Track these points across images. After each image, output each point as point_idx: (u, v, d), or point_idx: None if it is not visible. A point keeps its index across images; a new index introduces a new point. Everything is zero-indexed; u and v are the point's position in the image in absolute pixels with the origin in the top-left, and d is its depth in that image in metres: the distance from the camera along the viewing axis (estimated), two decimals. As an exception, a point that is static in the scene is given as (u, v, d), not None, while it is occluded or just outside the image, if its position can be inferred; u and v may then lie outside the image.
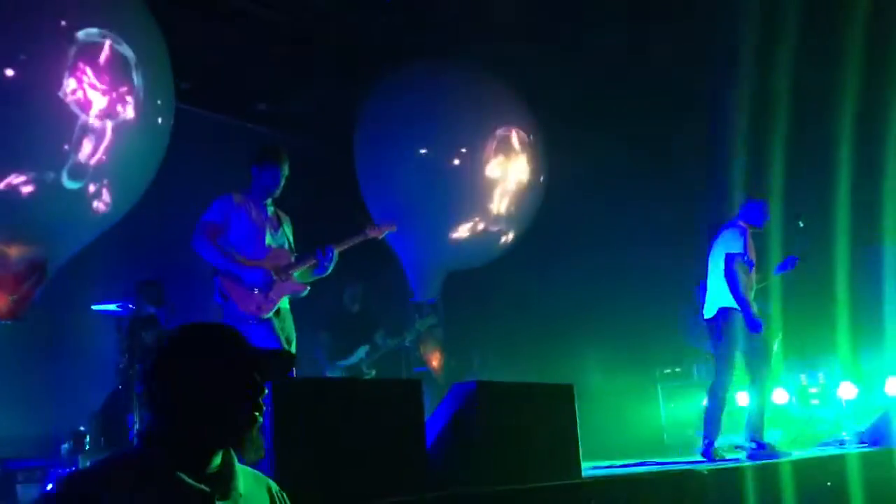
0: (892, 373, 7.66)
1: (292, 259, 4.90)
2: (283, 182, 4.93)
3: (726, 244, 5.98)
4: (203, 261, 4.81)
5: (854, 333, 7.76)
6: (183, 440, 1.72)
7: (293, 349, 4.84)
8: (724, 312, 5.93)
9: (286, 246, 4.97)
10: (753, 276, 6.07)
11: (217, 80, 7.86)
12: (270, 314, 4.72)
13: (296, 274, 4.87)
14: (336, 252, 4.93)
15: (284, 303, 4.89)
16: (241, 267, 4.69)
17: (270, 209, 4.99)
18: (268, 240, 4.84)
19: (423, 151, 8.07)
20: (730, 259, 5.90)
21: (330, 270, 4.97)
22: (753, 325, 5.78)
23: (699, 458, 5.91)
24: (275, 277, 4.73)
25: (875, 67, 7.38)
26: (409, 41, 8.27)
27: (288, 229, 5.07)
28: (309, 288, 4.94)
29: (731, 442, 6.53)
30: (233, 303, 4.68)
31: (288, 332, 4.83)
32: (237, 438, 1.77)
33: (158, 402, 1.75)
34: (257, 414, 1.78)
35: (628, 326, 8.86)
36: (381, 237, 5.35)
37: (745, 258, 5.91)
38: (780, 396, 7.74)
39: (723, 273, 5.93)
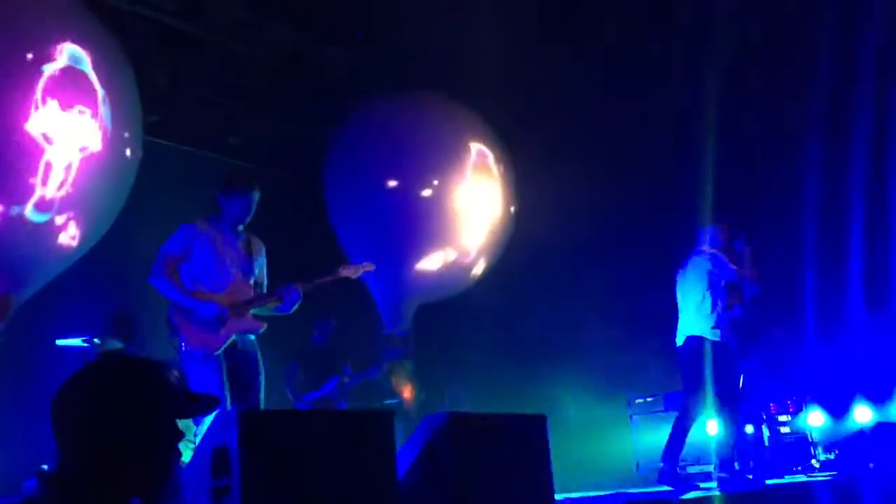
0: (860, 401, 7.75)
1: (252, 294, 4.70)
2: (253, 209, 4.76)
3: (700, 272, 6.04)
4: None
5: (822, 360, 7.85)
6: (92, 488, 1.56)
7: (258, 387, 4.65)
8: (692, 341, 5.97)
9: (252, 278, 4.78)
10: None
11: (187, 113, 7.84)
12: (219, 352, 4.53)
13: (255, 310, 4.69)
14: (300, 292, 4.72)
15: (248, 338, 4.70)
16: (194, 301, 4.52)
17: (242, 237, 4.81)
18: (232, 270, 4.66)
19: (392, 183, 8.09)
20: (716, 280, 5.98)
21: (293, 310, 4.78)
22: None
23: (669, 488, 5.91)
24: (229, 314, 4.55)
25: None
26: (380, 74, 8.34)
27: (261, 259, 4.90)
28: (265, 325, 4.75)
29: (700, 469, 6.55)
30: (182, 337, 4.52)
31: (244, 373, 4.61)
32: (151, 487, 1.60)
33: (65, 443, 1.58)
34: (172, 462, 1.63)
35: (601, 356, 8.88)
36: (355, 276, 5.11)
37: (724, 276, 5.99)
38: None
39: (696, 300, 5.98)
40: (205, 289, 4.60)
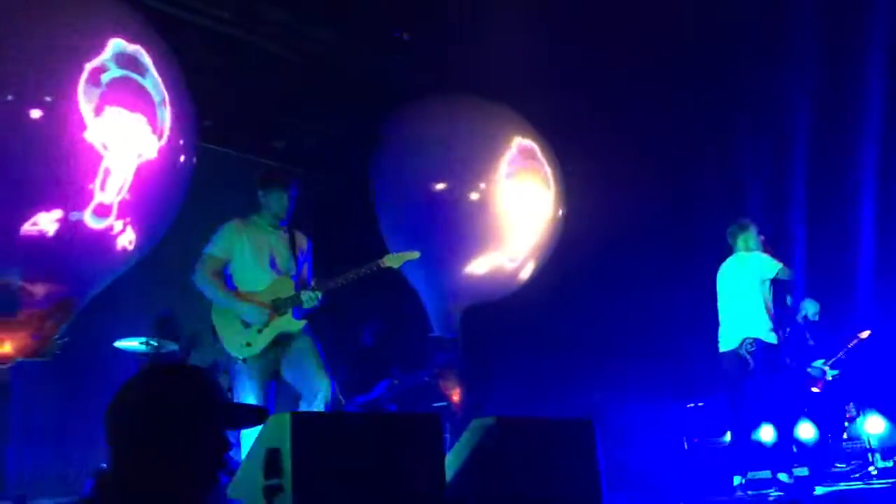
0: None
1: (293, 292, 4.67)
2: (289, 205, 4.80)
3: (756, 273, 6.01)
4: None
5: (882, 363, 7.68)
6: (139, 492, 1.59)
7: (321, 368, 4.63)
8: (760, 344, 5.92)
9: (295, 273, 4.77)
10: None
11: (235, 118, 7.98)
12: (258, 351, 4.55)
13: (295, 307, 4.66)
14: (320, 294, 4.68)
15: (293, 332, 4.66)
16: (235, 302, 4.56)
17: (284, 234, 4.84)
18: (273, 268, 4.68)
19: (439, 186, 8.12)
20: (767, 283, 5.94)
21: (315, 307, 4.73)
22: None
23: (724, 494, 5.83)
24: (269, 313, 4.57)
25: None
26: (425, 77, 8.38)
27: (306, 255, 4.92)
28: (306, 322, 4.72)
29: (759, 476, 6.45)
30: (222, 340, 4.57)
31: (300, 366, 4.62)
32: (196, 496, 1.63)
33: (117, 448, 1.63)
34: (218, 471, 1.66)
35: (652, 359, 8.79)
36: (398, 266, 5.00)
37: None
38: (805, 431, 7.64)
39: (757, 303, 5.94)
40: (247, 287, 4.63)
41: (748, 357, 5.95)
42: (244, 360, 4.52)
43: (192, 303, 5.68)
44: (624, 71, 8.05)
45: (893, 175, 7.69)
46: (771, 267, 6.03)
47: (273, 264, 4.72)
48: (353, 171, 8.57)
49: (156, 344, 6.16)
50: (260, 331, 4.56)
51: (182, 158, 6.18)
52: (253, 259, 4.67)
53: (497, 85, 8.15)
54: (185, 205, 6.34)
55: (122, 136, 5.54)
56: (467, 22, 7.55)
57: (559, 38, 7.66)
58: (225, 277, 4.70)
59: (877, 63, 7.19)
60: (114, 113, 5.50)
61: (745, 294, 6.05)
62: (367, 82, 8.30)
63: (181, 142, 6.11)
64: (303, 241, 4.95)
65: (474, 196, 8.13)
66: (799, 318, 7.48)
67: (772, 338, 5.87)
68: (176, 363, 5.90)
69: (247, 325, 4.56)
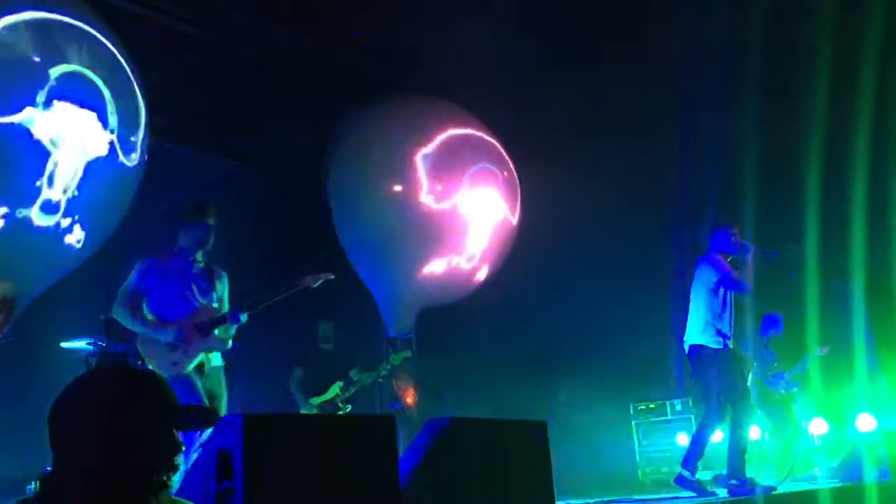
0: (862, 409, 7.74)
1: (213, 316, 4.84)
2: (211, 236, 4.92)
3: (703, 279, 6.02)
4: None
5: (825, 369, 7.84)
6: (85, 495, 1.55)
7: (223, 407, 4.81)
8: (695, 349, 5.96)
9: (215, 303, 4.93)
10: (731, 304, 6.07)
11: (190, 117, 7.87)
12: (189, 369, 4.67)
13: (217, 330, 4.82)
14: (241, 315, 4.84)
15: (216, 359, 4.86)
16: (156, 328, 4.69)
17: (202, 265, 4.96)
18: (193, 300, 4.83)
19: (395, 188, 8.10)
20: (717, 286, 5.93)
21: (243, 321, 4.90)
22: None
23: (674, 494, 5.91)
24: (191, 333, 4.70)
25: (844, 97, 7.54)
26: (383, 77, 8.36)
27: (222, 286, 5.05)
28: (230, 343, 4.88)
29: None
30: (153, 366, 4.65)
31: (213, 389, 4.77)
32: (144, 498, 1.59)
33: (62, 450, 1.58)
34: (168, 473, 1.62)
35: (603, 362, 8.88)
36: (314, 286, 5.16)
37: (723, 283, 5.93)
38: (753, 432, 7.78)
39: (700, 308, 5.95)
40: (169, 319, 4.75)
41: (690, 362, 6.03)
42: (174, 379, 4.56)
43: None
44: (581, 72, 8.12)
45: (846, 188, 7.86)
46: (713, 273, 5.95)
47: (193, 297, 4.85)
48: (312, 169, 8.51)
49: (103, 345, 6.03)
50: (185, 350, 4.70)
51: (133, 155, 6.07)
52: (174, 292, 4.80)
53: (456, 86, 8.17)
54: (138, 203, 6.23)
55: (71, 132, 5.43)
56: (430, 23, 7.56)
57: (517, 41, 7.71)
58: (144, 311, 4.79)
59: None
60: (62, 108, 5.39)
61: (694, 297, 6.06)
62: (326, 81, 8.25)
63: (132, 138, 6.01)
64: (220, 275, 5.08)
65: (429, 197, 8.13)
66: (759, 336, 7.57)
67: (709, 342, 5.85)
68: (124, 365, 5.79)
69: (173, 347, 4.68)
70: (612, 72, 8.13)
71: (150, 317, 4.75)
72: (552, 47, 7.86)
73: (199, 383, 4.68)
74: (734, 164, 7.81)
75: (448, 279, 8.38)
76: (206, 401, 4.64)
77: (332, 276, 5.24)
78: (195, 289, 4.87)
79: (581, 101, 8.39)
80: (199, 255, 4.93)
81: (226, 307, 5.01)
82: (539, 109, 8.50)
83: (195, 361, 4.71)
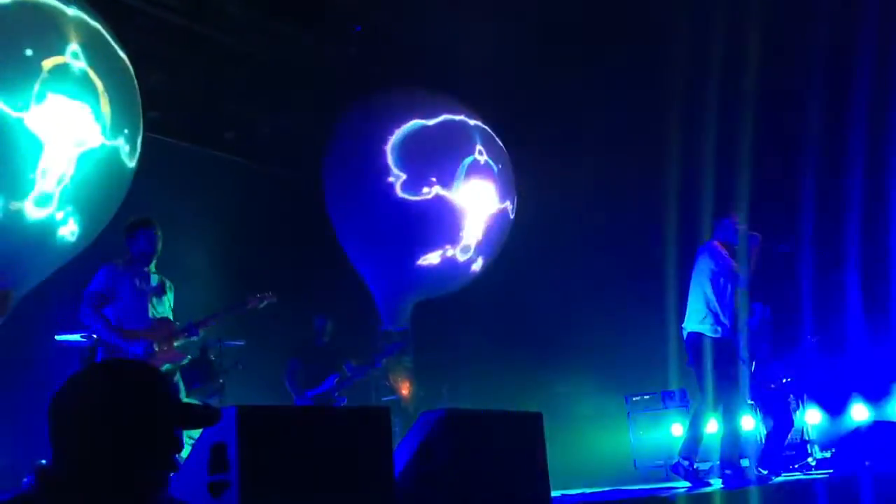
0: (856, 399, 7.76)
1: (173, 329, 5.11)
2: (160, 245, 5.13)
3: (703, 267, 6.02)
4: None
5: (820, 359, 7.86)
6: (83, 491, 1.53)
7: None
8: (692, 337, 5.96)
9: (169, 314, 5.17)
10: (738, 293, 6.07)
11: (186, 110, 7.85)
12: None
13: (176, 343, 5.10)
14: (199, 329, 5.17)
15: (170, 367, 5.09)
16: (124, 338, 4.87)
17: (155, 278, 5.16)
18: (151, 311, 5.04)
19: (390, 180, 8.10)
20: (716, 275, 5.94)
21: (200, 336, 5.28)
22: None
23: (669, 483, 5.93)
24: (156, 348, 4.93)
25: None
26: (379, 71, 8.34)
27: (170, 297, 5.26)
28: (189, 357, 5.19)
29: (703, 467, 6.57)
30: None
31: None
32: (142, 496, 1.57)
33: (60, 444, 1.55)
34: (168, 471, 1.60)
35: (598, 353, 8.89)
36: (260, 307, 5.57)
37: (722, 273, 5.94)
38: (747, 422, 7.80)
39: (699, 296, 5.96)
40: (131, 326, 4.96)
41: (686, 350, 6.03)
42: None
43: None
44: (576, 70, 8.12)
45: (838, 182, 7.87)
46: (713, 263, 5.94)
47: (152, 306, 5.07)
48: (306, 163, 8.50)
49: (97, 337, 6.00)
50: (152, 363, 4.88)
51: (127, 148, 6.05)
52: (135, 300, 5.00)
53: (450, 80, 8.16)
54: (134, 196, 6.21)
55: (64, 124, 5.40)
56: (425, 17, 7.54)
57: (512, 35, 7.70)
58: (107, 316, 4.98)
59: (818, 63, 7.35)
60: (55, 100, 5.36)
61: (694, 285, 6.05)
62: (322, 75, 8.23)
63: (125, 130, 5.98)
64: (168, 285, 5.30)
65: (424, 190, 8.13)
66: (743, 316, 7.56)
67: (713, 332, 5.85)
68: (125, 359, 5.77)
69: (137, 358, 4.84)
70: (610, 61, 8.12)
71: (111, 324, 4.93)
72: (548, 38, 7.84)
73: None
74: (733, 155, 7.81)
75: (443, 271, 8.38)
76: None
77: (275, 300, 5.61)
78: (152, 300, 5.09)
79: (578, 92, 8.38)
80: (151, 266, 5.16)
81: (170, 315, 5.25)
82: (535, 100, 8.50)
83: None
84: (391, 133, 8.14)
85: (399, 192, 8.09)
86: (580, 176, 9.04)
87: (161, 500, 1.63)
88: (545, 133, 8.80)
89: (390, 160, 8.12)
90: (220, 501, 2.83)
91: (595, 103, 8.50)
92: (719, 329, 5.87)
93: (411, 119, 8.25)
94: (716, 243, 6.04)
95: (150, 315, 5.03)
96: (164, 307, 5.15)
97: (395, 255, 8.14)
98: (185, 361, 5.13)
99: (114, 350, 4.87)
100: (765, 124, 7.75)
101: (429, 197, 8.13)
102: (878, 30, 7.15)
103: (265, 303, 5.56)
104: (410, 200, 8.08)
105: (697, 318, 5.93)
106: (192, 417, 1.70)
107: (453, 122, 8.42)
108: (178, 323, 5.22)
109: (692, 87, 7.89)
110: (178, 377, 5.17)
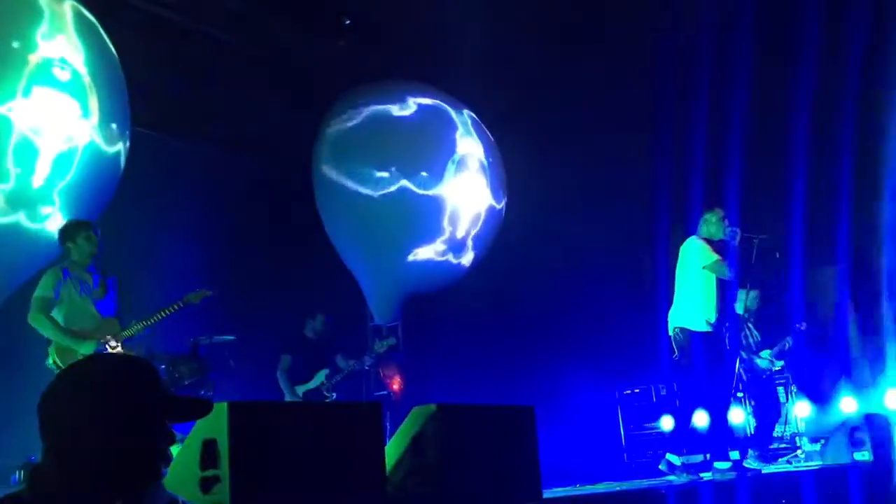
0: (847, 392, 7.82)
1: (119, 328, 5.25)
2: (97, 248, 5.22)
3: (690, 261, 6.03)
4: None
5: (810, 352, 7.91)
6: (73, 488, 1.52)
7: None
8: (680, 331, 5.98)
9: (114, 313, 5.31)
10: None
11: (173, 104, 7.81)
12: None
13: (123, 341, 5.25)
14: (143, 326, 5.33)
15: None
16: (74, 339, 5.01)
17: (97, 277, 5.26)
18: (96, 312, 5.17)
19: (380, 174, 8.08)
20: (702, 271, 5.95)
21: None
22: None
23: (660, 478, 5.95)
24: (106, 347, 5.11)
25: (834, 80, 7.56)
26: (367, 64, 8.32)
27: (113, 294, 5.35)
28: (141, 354, 5.33)
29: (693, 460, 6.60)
30: None
31: None
32: (134, 492, 1.56)
33: (51, 441, 1.55)
34: (160, 465, 1.59)
35: (590, 348, 8.91)
36: (198, 302, 5.59)
37: (709, 267, 5.96)
38: (736, 415, 7.83)
39: (687, 290, 5.97)
40: (78, 326, 5.10)
41: (674, 345, 6.04)
42: None
43: (132, 290, 5.58)
44: (566, 65, 8.12)
45: (826, 170, 7.90)
46: (705, 257, 5.96)
47: (97, 306, 5.20)
48: (295, 158, 8.47)
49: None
50: None
51: (117, 143, 6.02)
52: (79, 301, 5.11)
53: (440, 73, 8.14)
54: (124, 190, 6.19)
55: (52, 120, 5.37)
56: (414, 10, 7.52)
57: (502, 28, 7.69)
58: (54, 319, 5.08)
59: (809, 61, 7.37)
60: (43, 95, 5.33)
61: (683, 279, 6.05)
62: (311, 68, 8.20)
63: (113, 125, 5.95)
64: (112, 281, 5.41)
65: (415, 185, 8.11)
66: (739, 310, 7.59)
67: (700, 326, 5.87)
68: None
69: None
70: (598, 56, 8.13)
71: (62, 326, 5.06)
72: (538, 32, 7.84)
73: None
74: (719, 149, 7.84)
75: (434, 267, 8.37)
76: None
77: (210, 293, 5.64)
78: (97, 300, 5.22)
79: (567, 87, 8.39)
80: (93, 267, 5.26)
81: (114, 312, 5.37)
82: (525, 95, 8.49)
83: None
84: (379, 128, 8.11)
85: (388, 188, 8.07)
86: (572, 171, 9.05)
87: (154, 493, 1.62)
88: (536, 127, 8.80)
89: (378, 154, 8.09)
90: (212, 496, 2.82)
91: (585, 98, 8.51)
92: (706, 323, 5.89)
93: (400, 112, 8.22)
94: (701, 238, 6.07)
95: (98, 315, 5.16)
96: (109, 306, 5.27)
97: (385, 251, 8.12)
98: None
99: (65, 351, 4.97)
100: (753, 118, 7.77)
101: (419, 192, 8.11)
102: (868, 23, 7.18)
103: (201, 298, 5.59)
104: (400, 195, 8.07)
105: (684, 313, 5.95)
106: (183, 409, 1.69)
107: (444, 115, 8.41)
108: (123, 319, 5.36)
109: (683, 81, 7.91)
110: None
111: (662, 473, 5.90)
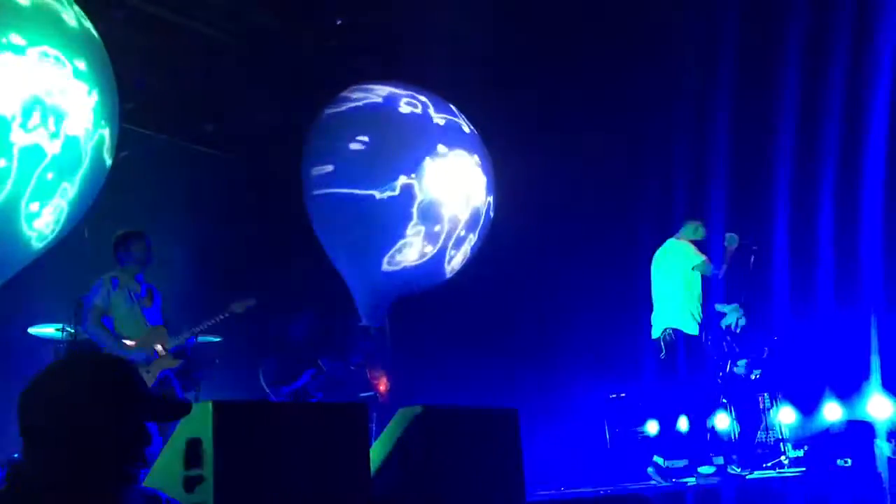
0: (829, 398, 7.85)
1: (167, 337, 5.49)
2: (148, 257, 5.51)
3: (677, 263, 6.07)
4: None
5: (793, 358, 7.95)
6: (54, 484, 1.53)
7: None
8: (670, 332, 6.01)
9: (161, 321, 5.55)
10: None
11: (162, 101, 7.77)
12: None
13: (170, 349, 5.50)
14: (195, 337, 5.68)
15: (175, 363, 5.53)
16: (126, 348, 5.21)
17: (145, 286, 5.49)
18: (146, 318, 5.40)
19: (368, 174, 8.03)
20: (688, 274, 6.00)
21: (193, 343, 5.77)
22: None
23: (644, 482, 5.96)
24: (155, 357, 5.33)
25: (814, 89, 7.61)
26: (356, 63, 8.30)
27: (159, 303, 5.61)
28: (183, 362, 5.58)
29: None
30: None
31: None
32: (113, 489, 1.56)
33: (31, 438, 1.55)
34: (137, 464, 1.59)
35: (575, 351, 8.93)
36: (241, 312, 5.90)
37: (697, 269, 6.01)
38: (721, 421, 7.86)
39: (674, 292, 6.01)
40: (128, 334, 5.33)
41: (662, 346, 6.06)
42: None
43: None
44: (558, 64, 8.14)
45: (812, 181, 7.94)
46: (693, 257, 6.03)
47: (146, 315, 5.44)
48: (284, 156, 8.44)
49: (73, 331, 5.95)
50: (148, 371, 5.26)
51: (106, 139, 5.97)
52: (129, 310, 5.35)
53: (428, 73, 8.13)
54: (110, 188, 6.14)
55: (40, 114, 5.32)
56: (403, 9, 7.52)
57: (492, 27, 7.70)
58: (106, 326, 5.34)
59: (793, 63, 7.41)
60: (30, 89, 5.27)
61: (670, 282, 6.10)
62: (302, 67, 8.18)
63: (102, 122, 5.90)
64: (157, 292, 5.66)
65: (403, 186, 8.08)
66: (722, 325, 7.63)
67: (693, 329, 5.92)
68: (96, 353, 5.77)
69: (138, 366, 5.12)
70: (591, 55, 8.15)
71: (112, 333, 5.29)
72: (525, 32, 7.85)
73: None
74: (707, 150, 7.88)
75: (421, 269, 8.35)
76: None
77: (254, 303, 5.96)
78: (147, 309, 5.46)
79: (559, 90, 8.40)
80: (141, 276, 5.50)
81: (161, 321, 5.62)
82: (513, 96, 8.50)
83: (155, 379, 5.34)
84: (367, 126, 8.07)
85: (376, 188, 8.04)
86: (561, 173, 9.06)
87: (132, 494, 1.62)
88: (525, 127, 8.80)
89: (366, 153, 8.05)
90: (195, 496, 2.81)
91: (583, 100, 8.53)
92: (696, 325, 5.93)
93: (388, 111, 8.19)
94: (685, 241, 6.14)
95: (147, 324, 5.37)
96: (156, 315, 5.49)
97: (371, 251, 8.09)
98: (179, 367, 5.49)
99: None
100: (741, 120, 7.82)
101: (406, 192, 8.08)
102: (852, 29, 7.23)
103: (246, 307, 5.88)
104: (387, 196, 8.04)
105: (673, 314, 5.98)
106: (162, 410, 1.69)
107: (431, 114, 8.38)
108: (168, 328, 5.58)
109: (674, 83, 7.94)
110: (172, 379, 5.51)
111: (648, 477, 5.92)
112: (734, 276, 6.67)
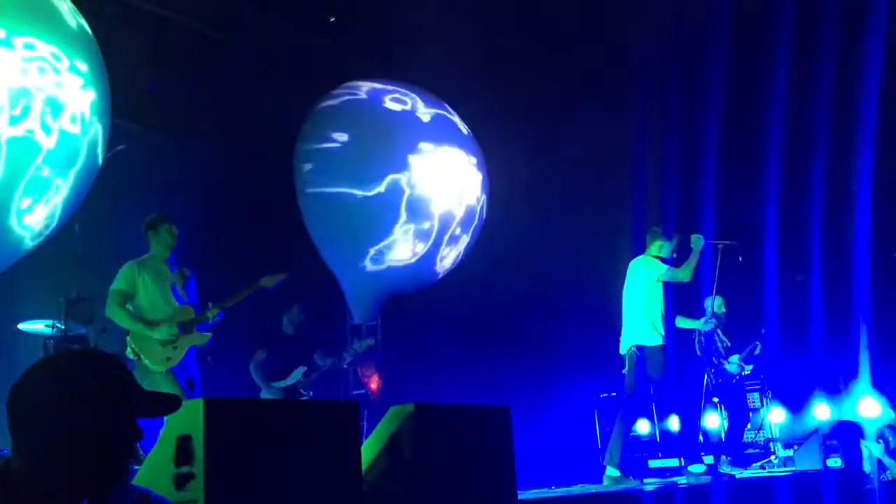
0: (819, 398, 7.89)
1: (195, 315, 5.50)
2: (176, 241, 5.55)
3: (641, 278, 6.16)
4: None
5: (783, 358, 7.98)
6: (44, 480, 1.53)
7: (198, 391, 5.46)
8: (638, 349, 6.12)
9: (190, 301, 5.56)
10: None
11: (154, 98, 7.75)
12: (176, 364, 5.30)
13: (198, 326, 5.51)
14: (223, 312, 5.60)
15: (203, 340, 5.58)
16: (148, 326, 5.26)
17: (174, 268, 5.52)
18: (173, 300, 5.43)
19: (360, 173, 8.02)
20: (651, 288, 6.08)
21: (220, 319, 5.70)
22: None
23: (635, 482, 5.98)
24: (182, 332, 5.36)
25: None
26: (351, 61, 8.30)
27: (191, 284, 5.63)
28: (211, 335, 5.59)
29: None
30: (144, 360, 5.23)
31: (191, 377, 5.45)
32: (101, 487, 1.57)
33: (20, 435, 1.55)
34: (127, 460, 1.59)
35: (567, 350, 8.94)
36: (271, 286, 5.84)
37: (661, 281, 6.10)
38: (711, 420, 7.89)
39: (639, 308, 6.10)
40: (155, 316, 5.37)
41: (627, 363, 6.20)
42: (166, 373, 5.28)
43: (103, 285, 5.53)
44: (548, 68, 8.16)
45: (799, 175, 7.97)
46: (655, 269, 6.15)
47: (172, 298, 5.46)
48: (279, 153, 8.43)
49: (63, 327, 5.93)
50: (175, 346, 5.32)
51: (98, 135, 5.95)
52: (156, 292, 5.40)
53: (423, 72, 8.13)
54: (103, 184, 6.12)
55: (32, 111, 5.30)
56: (398, 7, 7.51)
57: (487, 27, 7.71)
58: (130, 310, 5.38)
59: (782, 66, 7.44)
60: (22, 84, 5.25)
61: (632, 298, 6.24)
62: (296, 64, 8.16)
63: (95, 118, 5.88)
64: (188, 273, 5.67)
65: (394, 185, 8.07)
66: (707, 316, 7.67)
67: (656, 340, 6.05)
68: (86, 348, 5.77)
69: (164, 343, 5.28)
70: (575, 53, 8.17)
71: (137, 315, 5.32)
72: (517, 28, 7.86)
73: (181, 376, 5.34)
74: (696, 151, 7.91)
75: (413, 267, 8.34)
76: (187, 389, 5.32)
77: (286, 276, 5.90)
78: (173, 292, 5.46)
79: (549, 93, 8.42)
80: (172, 258, 5.53)
81: (196, 300, 5.63)
82: (507, 94, 8.51)
83: (183, 354, 5.36)
84: (359, 127, 8.06)
85: (367, 186, 8.03)
86: (554, 173, 9.08)
87: (121, 489, 1.62)
88: (516, 127, 8.81)
89: (359, 152, 8.04)
90: (185, 493, 2.80)
91: (576, 102, 8.55)
92: (655, 337, 6.05)
93: (382, 110, 8.18)
94: (649, 255, 6.24)
95: (172, 307, 5.38)
96: (185, 295, 5.51)
97: (360, 250, 8.08)
98: (205, 341, 5.51)
99: (140, 338, 5.22)
100: (731, 121, 7.85)
101: (397, 191, 8.07)
102: (840, 34, 7.26)
103: (276, 282, 5.83)
104: (380, 195, 8.02)
105: (641, 330, 6.09)
106: (151, 405, 1.69)
107: (424, 114, 8.38)
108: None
109: (662, 90, 7.97)
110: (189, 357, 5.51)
111: (637, 476, 5.95)
112: (728, 276, 6.73)
